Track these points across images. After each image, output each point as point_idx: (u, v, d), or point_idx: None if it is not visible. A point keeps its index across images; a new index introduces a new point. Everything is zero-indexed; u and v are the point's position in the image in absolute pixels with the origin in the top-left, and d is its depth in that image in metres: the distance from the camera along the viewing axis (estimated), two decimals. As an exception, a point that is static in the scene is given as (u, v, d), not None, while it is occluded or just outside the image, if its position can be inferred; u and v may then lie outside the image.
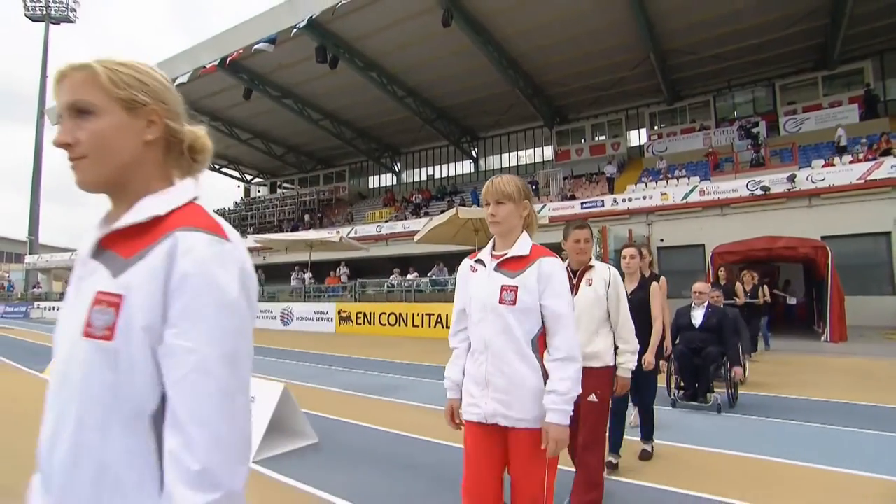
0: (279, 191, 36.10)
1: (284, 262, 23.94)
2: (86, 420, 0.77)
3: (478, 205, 17.65)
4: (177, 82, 20.51)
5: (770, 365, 8.31)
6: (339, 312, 15.78)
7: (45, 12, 42.29)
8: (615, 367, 2.97)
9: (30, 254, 39.68)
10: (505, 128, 26.96)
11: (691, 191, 16.70)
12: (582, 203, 18.63)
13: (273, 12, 18.40)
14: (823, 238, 13.10)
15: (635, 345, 2.99)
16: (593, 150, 23.82)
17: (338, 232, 20.03)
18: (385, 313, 14.73)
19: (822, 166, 15.33)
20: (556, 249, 3.07)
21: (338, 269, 20.57)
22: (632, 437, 4.05)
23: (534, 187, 22.04)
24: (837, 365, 8.36)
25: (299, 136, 28.98)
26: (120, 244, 0.83)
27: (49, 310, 26.69)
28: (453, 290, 1.75)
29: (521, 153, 27.66)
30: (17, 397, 6.49)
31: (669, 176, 18.85)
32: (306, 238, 17.89)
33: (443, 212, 21.04)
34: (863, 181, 14.14)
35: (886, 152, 14.86)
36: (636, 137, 24.10)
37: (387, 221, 23.86)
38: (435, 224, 13.20)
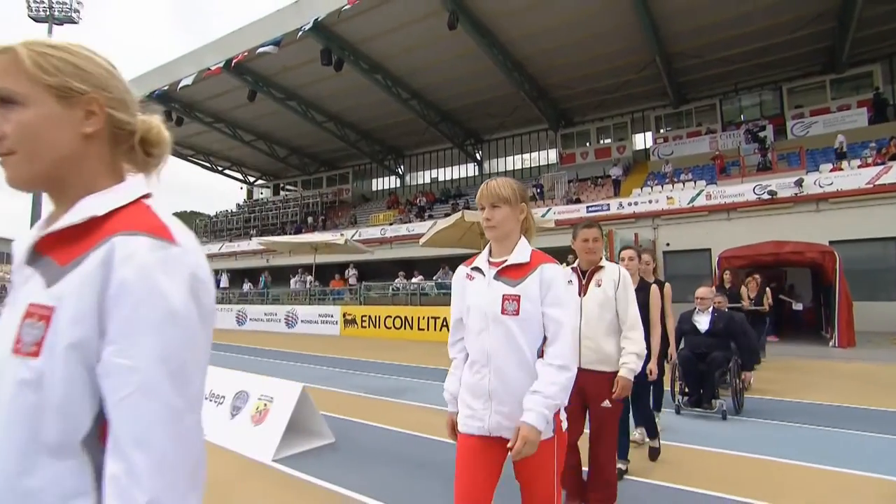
0: (282, 193, 36.11)
1: (288, 264, 23.93)
2: (9, 446, 0.70)
3: (483, 208, 17.55)
4: (181, 84, 20.60)
5: (777, 371, 8.23)
6: (344, 315, 15.73)
7: (48, 13, 42.49)
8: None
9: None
10: (509, 130, 26.90)
11: (697, 195, 16.62)
12: (587, 207, 18.56)
13: (278, 14, 18.43)
14: (831, 243, 13.01)
15: (642, 347, 2.86)
16: (598, 154, 23.73)
17: (342, 234, 20.00)
18: (390, 316, 14.67)
19: (830, 171, 15.23)
20: (563, 253, 3.05)
21: (346, 271, 20.53)
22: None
23: (538, 190, 21.99)
24: (845, 370, 8.31)
25: (303, 138, 28.98)
26: (57, 249, 0.75)
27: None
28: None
29: (526, 156, 27.58)
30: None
31: (675, 180, 18.76)
32: (311, 241, 17.85)
33: (447, 215, 21.06)
34: (871, 186, 14.04)
35: (895, 157, 14.76)
36: (642, 141, 24.00)
37: (391, 224, 23.82)
38: (440, 227, 13.15)
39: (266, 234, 27.84)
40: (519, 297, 1.72)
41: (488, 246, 1.89)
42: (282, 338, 15.06)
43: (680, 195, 16.98)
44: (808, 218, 14.80)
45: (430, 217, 23.23)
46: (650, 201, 17.40)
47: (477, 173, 29.00)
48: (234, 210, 36.37)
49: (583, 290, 2.93)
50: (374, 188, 32.97)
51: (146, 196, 0.83)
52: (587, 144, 24.30)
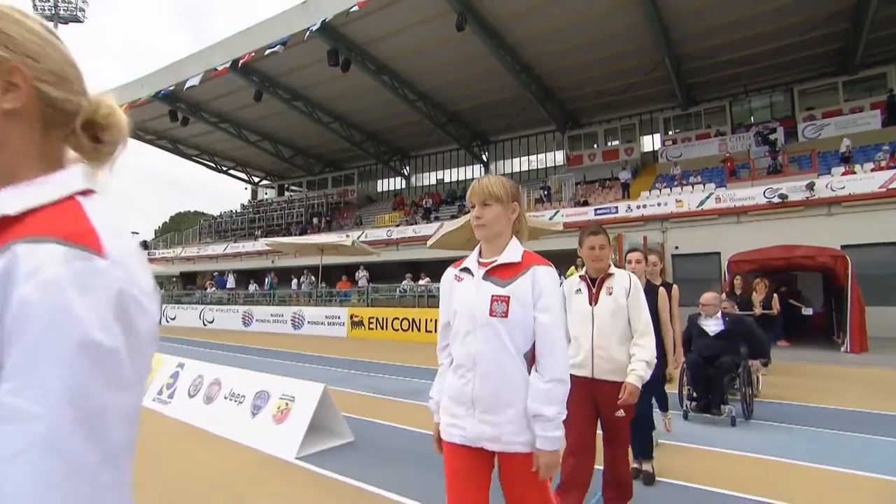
0: (287, 193, 36.12)
1: (293, 265, 23.91)
2: None
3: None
4: (188, 84, 20.61)
5: (789, 377, 8.13)
6: (352, 317, 15.69)
7: (53, 12, 42.72)
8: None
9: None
10: (516, 132, 26.79)
11: (707, 198, 16.48)
12: (595, 209, 18.45)
13: (285, 15, 18.40)
14: (843, 247, 12.85)
15: (652, 355, 2.77)
16: (606, 156, 23.60)
17: (348, 236, 19.95)
18: (398, 318, 14.62)
19: (842, 174, 15.06)
20: (571, 256, 2.98)
21: (357, 273, 20.47)
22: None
23: (546, 193, 21.89)
24: (859, 375, 8.23)
25: (308, 139, 28.97)
26: None
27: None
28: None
29: (533, 158, 27.48)
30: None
31: (684, 182, 18.63)
32: (317, 242, 17.80)
33: (453, 217, 20.99)
34: (884, 190, 13.86)
35: (909, 160, 14.60)
36: (650, 143, 23.86)
37: (397, 226, 23.76)
38: (448, 229, 13.05)
39: (271, 235, 27.85)
40: (508, 298, 1.64)
41: (478, 247, 1.82)
42: (289, 339, 15.02)
43: (689, 198, 16.85)
44: (819, 222, 14.64)
45: (437, 219, 23.16)
46: (659, 204, 17.26)
47: (483, 175, 28.82)
48: (239, 210, 36.39)
49: (594, 299, 2.85)
50: (379, 189, 32.93)
51: (85, 193, 0.67)
52: (595, 146, 24.17)
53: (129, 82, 24.44)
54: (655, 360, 2.83)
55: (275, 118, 25.80)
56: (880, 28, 16.23)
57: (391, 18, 17.10)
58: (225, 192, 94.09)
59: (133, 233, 39.15)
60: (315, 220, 29.72)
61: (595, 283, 2.87)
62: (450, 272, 1.86)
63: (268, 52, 17.98)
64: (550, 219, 17.85)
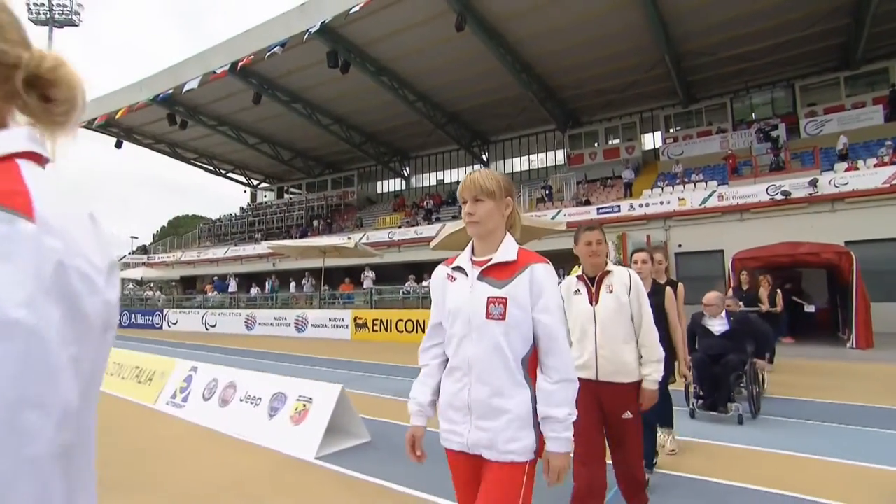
0: (286, 196, 36.05)
1: (295, 268, 23.84)
2: None
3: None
4: (186, 88, 20.53)
5: (795, 374, 8.10)
6: (355, 319, 15.63)
7: (49, 15, 42.55)
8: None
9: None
10: (516, 131, 26.73)
11: (710, 196, 16.44)
12: (598, 208, 18.40)
13: (284, 17, 18.33)
14: (847, 243, 12.84)
15: (660, 353, 2.73)
16: (607, 154, 23.54)
17: (349, 238, 19.89)
18: (402, 320, 14.57)
19: (846, 170, 15.03)
20: (575, 256, 2.90)
21: (362, 274, 20.39)
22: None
23: (547, 192, 21.84)
24: (866, 371, 8.23)
25: (307, 141, 28.88)
26: None
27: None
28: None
29: (533, 157, 27.42)
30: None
31: (686, 180, 18.59)
32: (320, 245, 17.74)
33: (455, 217, 20.92)
34: (888, 185, 13.83)
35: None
36: (651, 141, 23.82)
37: (399, 227, 23.69)
38: (451, 230, 12.96)
39: (271, 238, 27.79)
40: (505, 299, 1.57)
41: (471, 244, 1.74)
42: (293, 342, 14.99)
43: (692, 196, 16.80)
44: (823, 218, 14.60)
45: (438, 220, 23.10)
46: (661, 202, 17.22)
47: (482, 174, 28.80)
48: (238, 213, 36.29)
49: (594, 299, 2.74)
50: (379, 190, 32.87)
51: (31, 156, 0.59)
52: (595, 145, 24.11)
53: (127, 86, 24.36)
54: (664, 356, 2.78)
55: (274, 120, 25.71)
56: (882, 22, 16.17)
57: (391, 19, 17.03)
58: (223, 196, 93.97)
59: (132, 237, 39.04)
60: (315, 223, 29.63)
61: (594, 283, 2.78)
62: (441, 270, 1.78)
63: (267, 54, 17.89)
64: (553, 218, 17.79)
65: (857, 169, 14.90)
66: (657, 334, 2.77)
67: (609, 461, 2.78)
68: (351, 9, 15.67)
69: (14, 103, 0.61)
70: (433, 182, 30.57)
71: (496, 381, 1.57)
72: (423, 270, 19.15)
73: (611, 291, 2.73)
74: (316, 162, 32.67)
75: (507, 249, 1.65)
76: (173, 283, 31.41)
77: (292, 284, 22.52)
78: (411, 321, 14.38)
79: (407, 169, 31.66)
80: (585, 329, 2.73)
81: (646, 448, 3.49)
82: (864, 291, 11.02)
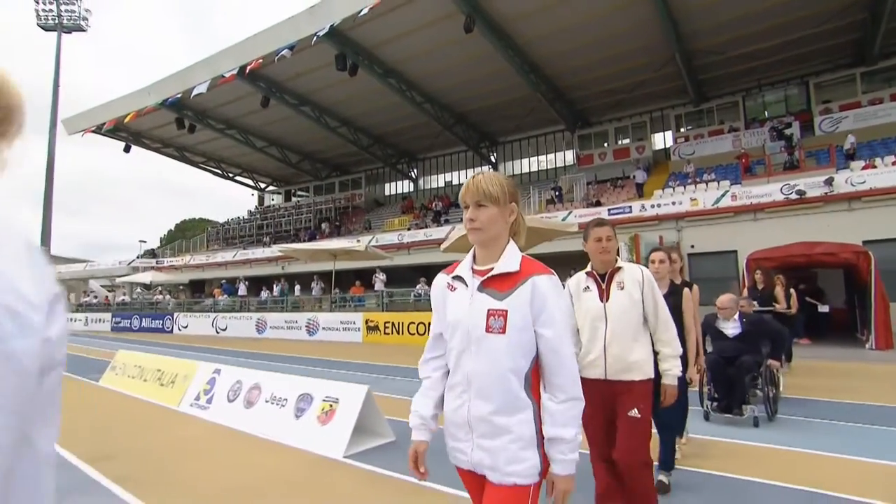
0: (294, 199, 36.10)
1: (304, 271, 23.82)
2: None
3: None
4: (195, 92, 20.59)
5: (814, 375, 7.98)
6: (367, 322, 15.58)
7: (57, 21, 42.76)
8: (656, 378, 2.67)
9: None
10: (525, 132, 26.62)
11: (722, 195, 16.23)
12: (609, 209, 18.24)
13: (293, 20, 18.33)
14: (865, 243, 12.60)
15: (679, 348, 2.68)
16: (617, 154, 23.37)
17: (359, 241, 19.85)
18: (413, 322, 14.50)
19: (863, 168, 14.80)
20: (587, 257, 2.80)
21: (374, 277, 20.34)
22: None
23: (557, 193, 21.71)
24: (886, 372, 8.10)
25: (315, 144, 28.92)
26: None
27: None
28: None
29: (542, 158, 27.30)
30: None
31: (698, 180, 18.40)
32: (330, 248, 17.71)
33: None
34: (906, 183, 13.62)
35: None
36: (661, 140, 23.62)
37: (408, 230, 23.64)
38: (462, 232, 12.95)
39: (279, 241, 27.79)
40: (506, 312, 1.49)
41: (472, 251, 1.65)
42: (304, 345, 14.98)
43: (704, 196, 16.61)
44: (839, 218, 14.36)
45: (447, 222, 23.03)
46: (673, 203, 17.03)
47: (490, 176, 28.71)
48: (246, 217, 36.37)
49: (605, 296, 2.66)
50: (387, 193, 32.86)
51: None
52: (605, 145, 23.95)
53: (135, 91, 24.47)
54: (681, 352, 2.74)
55: (282, 123, 25.76)
56: (899, 17, 15.93)
57: (399, 21, 17.01)
58: (230, 199, 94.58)
59: (140, 241, 39.17)
60: (323, 226, 29.65)
61: (604, 279, 2.69)
62: (442, 279, 1.69)
63: (276, 57, 17.91)
64: (563, 220, 17.67)
65: (875, 167, 14.66)
66: (675, 329, 2.74)
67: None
68: (360, 11, 15.64)
69: None
70: (441, 184, 30.51)
71: (496, 397, 1.50)
72: (433, 273, 19.02)
73: (622, 288, 2.65)
74: (323, 164, 32.71)
75: (510, 259, 1.56)
76: (181, 287, 31.49)
77: (298, 288, 22.47)
78: (423, 323, 14.31)
79: (415, 171, 31.63)
80: (595, 326, 2.66)
81: (665, 453, 3.44)
82: (882, 291, 10.86)
